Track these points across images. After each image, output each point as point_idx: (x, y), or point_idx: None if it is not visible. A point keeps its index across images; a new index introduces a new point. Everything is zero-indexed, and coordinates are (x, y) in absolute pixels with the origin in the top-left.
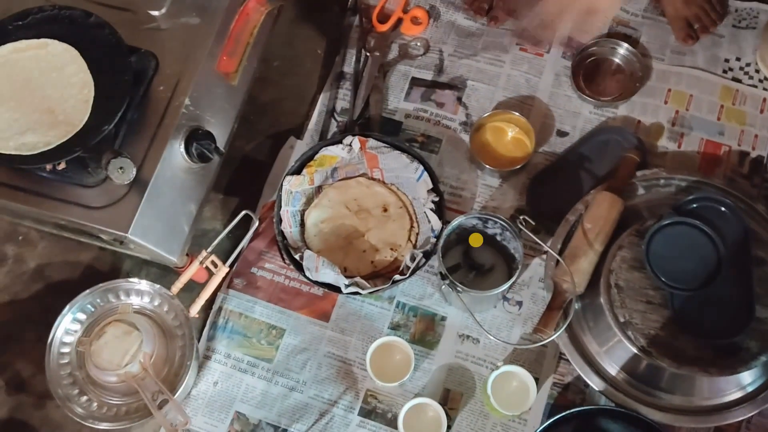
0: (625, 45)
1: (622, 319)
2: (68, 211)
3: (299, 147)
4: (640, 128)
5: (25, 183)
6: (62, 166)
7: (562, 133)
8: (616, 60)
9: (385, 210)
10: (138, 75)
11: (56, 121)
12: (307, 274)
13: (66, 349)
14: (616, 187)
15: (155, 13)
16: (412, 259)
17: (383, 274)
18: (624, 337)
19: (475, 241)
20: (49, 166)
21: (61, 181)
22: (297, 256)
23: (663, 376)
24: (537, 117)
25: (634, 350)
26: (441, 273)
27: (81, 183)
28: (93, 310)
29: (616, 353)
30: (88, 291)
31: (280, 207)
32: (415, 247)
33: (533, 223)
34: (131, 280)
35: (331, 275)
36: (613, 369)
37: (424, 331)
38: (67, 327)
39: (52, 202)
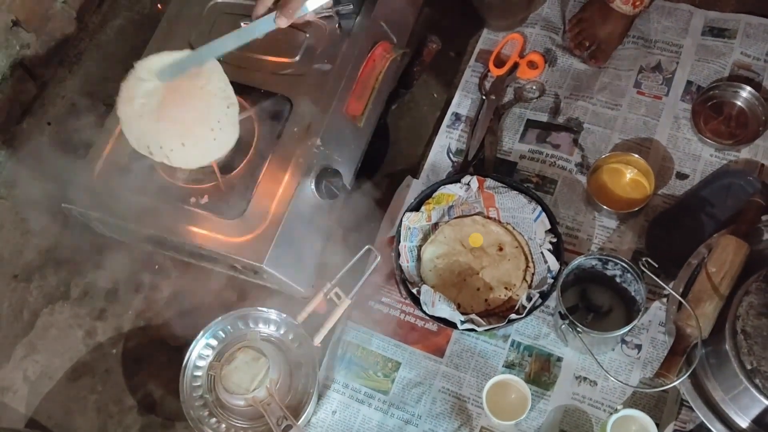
0: (748, 88)
1: (749, 366)
2: (209, 242)
3: (415, 186)
4: (763, 172)
5: (171, 214)
6: (205, 199)
7: (681, 176)
8: (738, 103)
9: (501, 249)
10: (274, 117)
11: None
12: (424, 308)
13: (198, 373)
14: (741, 232)
15: (289, 60)
16: (529, 299)
17: (497, 313)
18: (751, 385)
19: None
20: (193, 199)
21: (202, 213)
22: (414, 291)
23: None
24: (655, 159)
25: (762, 398)
26: (560, 313)
27: (221, 215)
28: (224, 336)
29: (742, 401)
30: (220, 318)
31: (399, 242)
32: (530, 287)
33: (656, 266)
34: (261, 308)
35: (447, 311)
36: (739, 418)
37: (540, 371)
38: (200, 351)
39: (196, 232)
